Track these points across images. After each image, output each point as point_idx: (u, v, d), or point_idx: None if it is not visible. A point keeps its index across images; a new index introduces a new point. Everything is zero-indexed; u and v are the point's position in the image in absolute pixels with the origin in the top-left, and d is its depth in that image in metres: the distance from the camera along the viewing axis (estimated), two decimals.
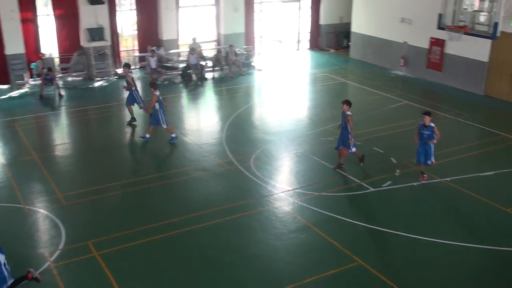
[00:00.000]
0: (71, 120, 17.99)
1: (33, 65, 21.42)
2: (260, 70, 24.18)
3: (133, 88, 16.80)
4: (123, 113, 17.98)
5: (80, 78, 22.44)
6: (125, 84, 17.15)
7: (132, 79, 17.01)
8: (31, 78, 21.57)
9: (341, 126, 13.01)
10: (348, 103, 12.80)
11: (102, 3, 22.15)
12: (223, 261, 9.60)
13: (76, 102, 19.43)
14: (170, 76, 22.62)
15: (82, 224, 10.91)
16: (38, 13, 21.88)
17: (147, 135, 15.31)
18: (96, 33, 22.23)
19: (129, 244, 10.02)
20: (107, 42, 22.56)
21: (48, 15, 22.43)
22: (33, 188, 12.60)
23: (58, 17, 22.20)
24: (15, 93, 20.48)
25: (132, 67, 24.08)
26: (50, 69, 20.08)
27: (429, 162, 12.40)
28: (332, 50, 28.14)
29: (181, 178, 13.02)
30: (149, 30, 24.12)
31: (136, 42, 24.62)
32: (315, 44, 28.72)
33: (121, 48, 24.28)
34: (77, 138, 15.96)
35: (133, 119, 16.89)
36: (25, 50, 21.35)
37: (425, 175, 12.69)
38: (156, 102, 14.85)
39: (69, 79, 22.17)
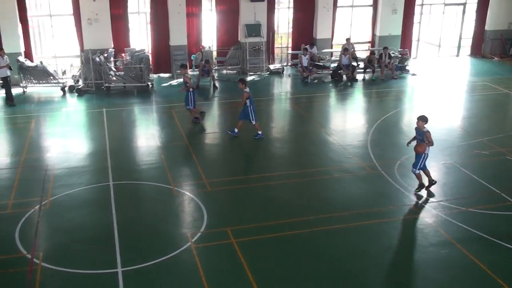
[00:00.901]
0: (222, 111, 18.84)
1: (193, 56, 22.77)
2: (414, 74, 23.25)
3: (191, 90, 16.45)
4: (271, 108, 18.40)
5: (234, 71, 23.39)
6: (182, 86, 17.01)
7: (190, 80, 16.67)
8: (190, 68, 22.94)
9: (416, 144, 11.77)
10: (424, 119, 11.56)
11: (262, 0, 22.82)
12: (356, 265, 9.37)
13: (228, 94, 20.27)
14: (320, 75, 22.67)
15: (223, 210, 11.35)
16: (202, 8, 23.20)
17: (236, 130, 15.53)
18: (253, 29, 22.98)
19: (266, 236, 10.20)
20: (262, 39, 23.19)
21: (211, 10, 23.66)
22: (182, 172, 13.42)
23: (219, 12, 23.32)
24: (174, 82, 21.98)
25: (284, 64, 24.61)
26: (207, 61, 21.25)
27: None
28: (496, 58, 26.13)
29: (321, 177, 12.97)
30: (304, 28, 24.36)
31: (290, 40, 25.03)
32: (478, 51, 26.89)
33: (275, 45, 24.83)
34: (226, 128, 16.62)
35: (202, 113, 16.90)
36: (187, 42, 22.78)
37: None
38: (247, 99, 15.02)
39: (224, 72, 23.20)
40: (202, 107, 17.87)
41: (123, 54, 21.60)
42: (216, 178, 12.86)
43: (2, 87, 18.80)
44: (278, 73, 23.35)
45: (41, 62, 20.53)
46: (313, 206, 11.50)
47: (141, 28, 23.42)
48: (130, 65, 20.62)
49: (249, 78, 22.59)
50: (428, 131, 11.53)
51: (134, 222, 10.78)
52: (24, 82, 20.27)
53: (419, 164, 11.73)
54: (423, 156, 11.65)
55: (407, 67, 23.75)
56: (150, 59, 21.59)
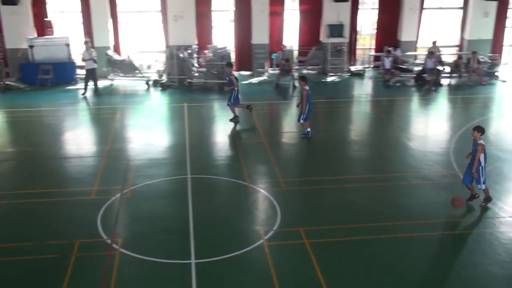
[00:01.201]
0: None
1: (274, 55, 22.88)
2: (504, 81, 22.15)
3: (236, 88, 16.34)
4: (350, 110, 18.10)
5: (315, 71, 23.27)
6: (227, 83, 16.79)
7: (236, 78, 16.50)
8: (270, 67, 23.07)
9: (471, 157, 11.05)
10: (480, 129, 10.77)
11: (346, 0, 22.55)
12: (431, 276, 9.01)
13: None
14: (403, 79, 22.08)
15: (297, 210, 11.29)
16: (285, 7, 23.26)
17: (307, 129, 15.42)
18: (335, 30, 22.77)
19: (339, 239, 10.05)
20: (345, 39, 22.93)
21: (294, 9, 23.67)
22: (258, 169, 13.49)
23: (302, 12, 23.31)
24: (255, 80, 22.19)
25: (366, 65, 24.19)
26: (287, 60, 21.29)
27: None
28: None
29: (399, 183, 12.60)
30: (388, 29, 23.86)
31: (373, 41, 24.57)
32: None
33: (358, 46, 24.47)
34: (302, 129, 16.57)
35: (236, 117, 16.64)
36: (269, 41, 22.91)
37: None
38: (306, 96, 14.92)
39: (304, 71, 23.12)
40: (281, 105, 17.89)
41: (205, 51, 22.05)
42: (292, 177, 12.83)
43: (88, 78, 19.56)
44: (359, 74, 22.99)
45: (128, 56, 21.37)
46: (389, 212, 11.19)
47: (225, 26, 23.81)
48: (212, 62, 20.99)
49: (330, 79, 22.42)
50: (481, 144, 10.78)
51: (209, 215, 10.94)
52: (112, 75, 21.18)
53: (481, 179, 11.06)
54: (481, 171, 10.97)
55: (496, 73, 22.67)
56: (232, 56, 21.90)
